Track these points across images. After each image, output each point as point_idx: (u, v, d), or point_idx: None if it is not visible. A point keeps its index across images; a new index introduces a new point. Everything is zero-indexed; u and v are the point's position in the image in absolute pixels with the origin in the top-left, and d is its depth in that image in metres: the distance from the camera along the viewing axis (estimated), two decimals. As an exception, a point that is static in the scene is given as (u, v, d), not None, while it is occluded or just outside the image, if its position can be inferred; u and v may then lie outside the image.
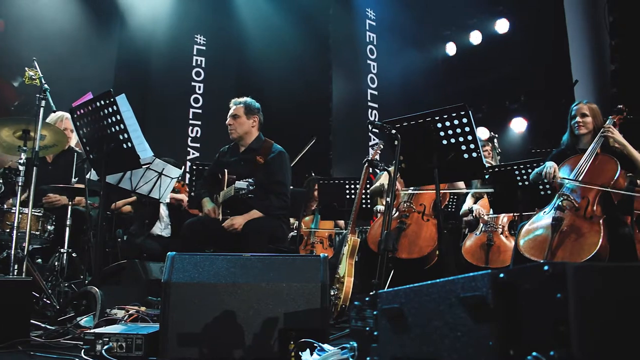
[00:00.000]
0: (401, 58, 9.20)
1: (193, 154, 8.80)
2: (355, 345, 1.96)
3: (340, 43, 9.05)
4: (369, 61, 9.32)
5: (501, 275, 1.29)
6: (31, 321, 3.04)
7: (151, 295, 3.96)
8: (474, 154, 3.13)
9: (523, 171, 4.12)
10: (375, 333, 1.85)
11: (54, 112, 4.40)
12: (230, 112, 4.19)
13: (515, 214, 4.48)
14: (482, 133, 7.52)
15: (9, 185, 3.96)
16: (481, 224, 4.74)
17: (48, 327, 3.13)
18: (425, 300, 1.67)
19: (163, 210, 5.43)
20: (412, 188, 4.44)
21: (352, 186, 5.06)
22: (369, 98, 9.14)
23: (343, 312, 3.89)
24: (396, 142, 3.10)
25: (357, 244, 4.16)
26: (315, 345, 2.17)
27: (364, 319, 1.93)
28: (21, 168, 3.55)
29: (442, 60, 9.54)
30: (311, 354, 2.14)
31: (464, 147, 3.13)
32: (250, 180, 3.68)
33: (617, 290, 1.16)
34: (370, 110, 9.09)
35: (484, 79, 8.57)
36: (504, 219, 4.67)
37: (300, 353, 2.20)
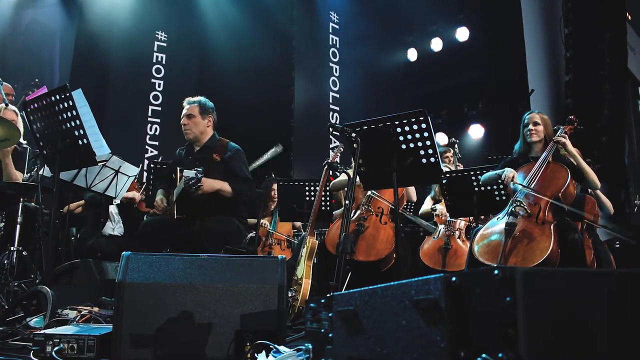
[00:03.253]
0: (363, 62, 9.29)
1: (151, 152, 8.65)
2: (310, 346, 1.97)
3: (303, 45, 9.06)
4: (331, 64, 9.37)
5: (453, 278, 1.32)
6: (-23, 322, 2.95)
7: (105, 295, 3.88)
8: (432, 159, 3.18)
9: (480, 176, 4.22)
10: (330, 335, 1.86)
11: (6, 105, 4.26)
12: (185, 111, 4.14)
13: (471, 219, 4.58)
14: (441, 138, 7.66)
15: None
16: (439, 227, 4.82)
17: (-4, 328, 3.04)
18: (379, 303, 1.69)
19: (113, 209, 5.30)
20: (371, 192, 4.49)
21: (312, 188, 5.06)
22: (330, 101, 9.18)
23: (300, 314, 3.90)
24: (356, 146, 3.12)
25: (316, 245, 4.18)
26: (271, 347, 2.17)
27: (319, 321, 1.94)
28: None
29: (403, 65, 9.68)
30: (267, 356, 2.14)
31: (422, 152, 3.18)
32: (199, 169, 3.63)
33: (564, 294, 1.20)
34: (331, 113, 9.14)
35: (444, 85, 8.75)
36: (460, 223, 4.77)
37: (255, 355, 2.20)
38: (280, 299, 2.48)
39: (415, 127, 3.14)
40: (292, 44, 8.89)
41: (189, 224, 3.89)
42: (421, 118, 3.12)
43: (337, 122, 8.83)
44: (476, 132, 8.47)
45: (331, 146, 8.76)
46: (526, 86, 7.29)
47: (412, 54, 9.57)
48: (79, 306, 3.27)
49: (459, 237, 4.71)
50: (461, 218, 4.71)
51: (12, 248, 3.89)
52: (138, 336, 2.35)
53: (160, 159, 7.75)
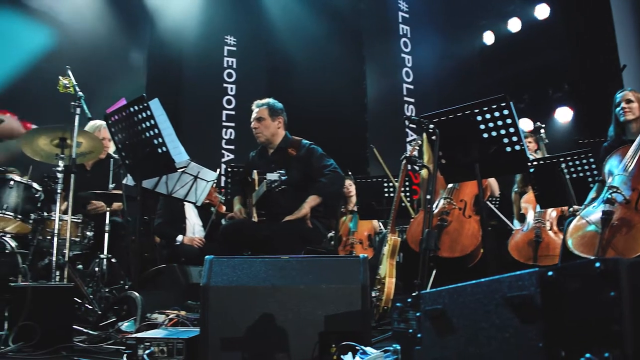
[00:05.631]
0: (437, 50, 9.05)
1: (228, 156, 8.83)
2: (398, 347, 1.90)
3: (373, 38, 8.96)
4: (403, 55, 9.20)
5: (549, 273, 1.24)
6: (74, 327, 3.08)
7: (190, 299, 3.97)
8: (517, 147, 3.00)
9: (570, 163, 3.96)
10: (419, 335, 1.79)
11: (90, 119, 4.46)
12: (254, 115, 4.16)
13: (563, 209, 4.31)
14: (526, 124, 7.31)
15: (49, 193, 4.03)
16: (529, 220, 4.58)
17: (90, 332, 3.18)
18: (469, 301, 1.61)
19: (193, 212, 5.44)
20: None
21: (390, 184, 4.97)
22: (404, 93, 9.02)
23: (385, 314, 3.82)
24: (434, 137, 3.01)
25: (398, 243, 4.07)
26: (357, 348, 2.11)
27: (406, 321, 1.88)
28: (60, 175, 3.62)
29: (479, 49, 9.30)
30: (353, 357, 2.09)
31: (505, 140, 3.01)
32: (281, 171, 3.65)
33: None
34: (406, 105, 8.97)
35: (525, 68, 8.31)
36: (552, 213, 4.49)
37: (342, 356, 2.15)
38: (364, 299, 2.41)
39: (496, 114, 2.98)
40: (361, 37, 8.82)
41: (269, 226, 3.91)
42: (503, 104, 2.96)
43: (413, 114, 8.66)
44: (563, 115, 8.01)
45: (408, 139, 8.60)
46: (617, 62, 6.81)
47: (488, 37, 9.19)
48: (167, 310, 3.36)
49: (550, 229, 4.44)
50: (552, 208, 4.44)
51: (101, 256, 4.07)
52: (224, 338, 2.37)
53: (236, 162, 7.88)
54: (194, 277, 4.52)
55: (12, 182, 3.90)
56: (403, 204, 4.77)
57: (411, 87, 9.10)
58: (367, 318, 2.44)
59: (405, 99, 9.01)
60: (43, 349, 2.73)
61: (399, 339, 1.94)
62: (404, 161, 4.17)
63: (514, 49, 8.64)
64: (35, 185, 4.04)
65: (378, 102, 8.71)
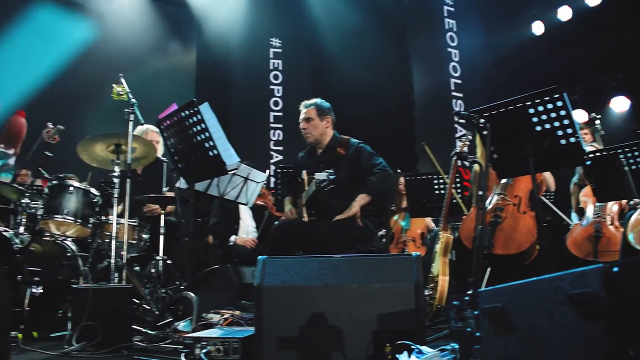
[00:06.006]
0: (484, 43, 8.84)
1: (276, 157, 8.91)
2: (456, 346, 1.86)
3: (417, 33, 8.84)
4: (449, 49, 9.02)
5: (615, 269, 1.19)
6: (133, 326, 3.17)
7: (244, 299, 4.02)
8: (572, 139, 2.90)
9: (629, 154, 3.80)
10: (477, 334, 1.75)
11: (142, 125, 4.59)
12: (302, 116, 4.18)
13: (624, 202, 4.14)
14: (579, 116, 7.06)
15: (106, 197, 4.16)
16: (588, 214, 4.41)
17: (149, 332, 3.26)
18: (529, 299, 1.57)
19: (248, 213, 5.51)
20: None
21: (441, 181, 4.89)
22: (452, 87, 8.85)
23: (438, 313, 3.76)
24: (485, 132, 2.95)
25: (450, 241, 4.00)
26: (412, 347, 2.09)
27: (464, 320, 1.84)
28: (116, 180, 3.74)
29: (528, 40, 8.99)
30: (409, 357, 2.06)
31: (560, 133, 2.90)
32: (329, 170, 3.66)
33: None
34: (454, 101, 8.80)
35: (577, 58, 8.00)
36: (613, 207, 4.32)
37: (397, 356, 2.13)
38: (418, 298, 2.39)
39: (549, 105, 2.89)
40: (406, 33, 8.72)
41: (320, 226, 3.92)
42: (556, 95, 2.86)
43: (462, 109, 8.49)
44: (619, 104, 7.66)
45: (457, 135, 8.46)
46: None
47: (537, 27, 8.90)
48: (221, 310, 3.41)
49: (611, 224, 4.27)
50: (613, 202, 4.27)
51: (157, 257, 4.17)
52: (279, 338, 2.40)
53: (285, 163, 7.94)
54: (247, 277, 4.58)
55: (71, 188, 4.06)
56: (455, 201, 4.68)
57: (459, 81, 8.93)
58: (421, 317, 2.42)
59: (453, 94, 8.84)
60: (105, 348, 2.82)
61: (456, 337, 1.91)
62: (455, 157, 4.09)
63: (565, 38, 8.34)
64: (93, 190, 4.18)
65: (425, 98, 8.59)
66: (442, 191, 4.83)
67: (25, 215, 4.13)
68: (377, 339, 2.33)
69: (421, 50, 8.84)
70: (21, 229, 4.09)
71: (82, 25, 8.12)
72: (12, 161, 3.68)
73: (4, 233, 3.92)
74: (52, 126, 4.69)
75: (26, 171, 6.16)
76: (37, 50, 7.79)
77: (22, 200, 4.17)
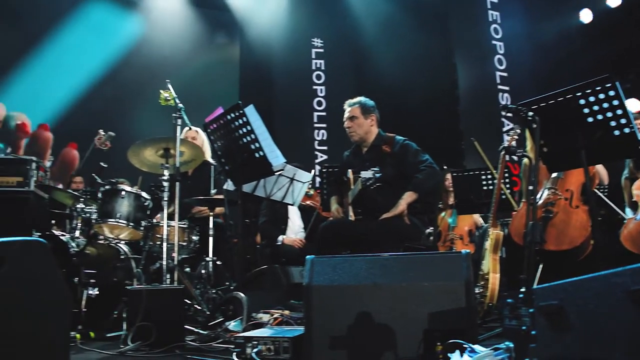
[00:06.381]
0: (530, 34, 8.61)
1: (321, 157, 8.94)
2: (511, 345, 1.82)
3: (461, 27, 8.70)
4: (494, 42, 8.83)
5: None
6: (185, 326, 3.23)
7: (293, 298, 4.04)
8: (626, 130, 2.79)
9: (688, 144, 3.62)
10: (533, 332, 1.71)
11: (189, 129, 4.68)
12: (347, 114, 4.17)
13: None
14: (633, 105, 6.79)
15: (156, 200, 4.26)
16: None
17: (200, 331, 3.31)
18: (587, 296, 1.52)
19: (296, 213, 5.54)
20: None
21: (489, 177, 4.79)
22: (498, 81, 8.67)
23: (489, 311, 3.68)
24: (534, 126, 2.87)
25: (500, 237, 3.91)
26: (464, 346, 2.05)
27: (519, 318, 1.80)
28: (165, 184, 3.82)
29: (576, 29, 8.69)
30: (461, 356, 2.03)
31: (613, 123, 2.81)
32: (375, 168, 3.63)
33: None
34: (500, 94, 8.61)
35: (629, 44, 7.69)
36: (671, 198, 4.14)
37: (448, 355, 2.10)
38: (469, 296, 2.34)
39: (601, 95, 2.79)
40: (449, 27, 8.59)
41: (367, 225, 3.91)
42: (608, 85, 2.76)
43: (509, 103, 8.31)
44: (675, 92, 7.36)
45: (504, 129, 8.27)
46: None
47: (585, 15, 8.59)
48: (271, 310, 3.44)
49: (669, 216, 4.10)
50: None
51: (207, 258, 4.24)
52: (328, 337, 2.40)
53: (330, 163, 7.95)
54: (295, 277, 4.60)
55: (123, 193, 4.18)
56: (504, 197, 4.58)
57: (504, 74, 8.73)
58: (472, 315, 2.37)
59: (499, 87, 8.65)
60: (158, 348, 2.88)
61: (510, 336, 1.87)
62: (503, 152, 4.01)
63: (615, 24, 8.03)
64: (144, 194, 4.29)
65: (470, 92, 8.45)
66: (491, 187, 4.73)
67: (80, 219, 4.28)
68: (428, 338, 2.30)
69: (465, 44, 8.70)
70: (77, 233, 4.24)
71: (131, 21, 8.43)
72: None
73: (61, 237, 4.07)
74: (103, 133, 4.84)
75: (80, 178, 6.39)
76: (89, 49, 8.19)
77: (77, 206, 4.32)
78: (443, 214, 5.78)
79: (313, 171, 5.29)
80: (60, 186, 5.36)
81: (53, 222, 5.01)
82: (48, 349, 1.59)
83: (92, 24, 8.30)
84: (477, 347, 2.04)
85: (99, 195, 4.23)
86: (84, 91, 8.06)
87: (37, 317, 1.55)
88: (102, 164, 4.55)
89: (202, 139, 4.89)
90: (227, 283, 4.34)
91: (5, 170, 4.30)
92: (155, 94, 4.17)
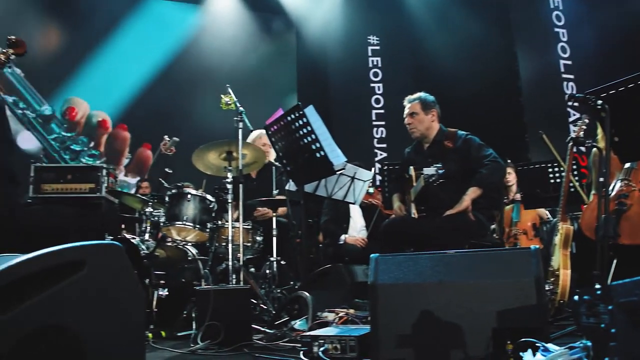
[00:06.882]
0: (594, 19, 8.24)
1: (381, 154, 8.89)
2: (588, 344, 1.75)
3: (521, 16, 8.43)
4: (556, 29, 8.49)
5: None
6: (252, 325, 3.29)
7: (357, 297, 4.04)
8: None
9: None
10: (613, 330, 1.63)
11: (252, 131, 4.76)
12: (407, 111, 4.13)
13: None
14: None
15: (220, 203, 4.37)
16: None
17: (267, 330, 3.36)
18: None
19: (358, 212, 5.53)
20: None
21: (555, 169, 4.63)
22: (562, 70, 8.33)
23: (561, 309, 3.56)
24: (604, 114, 2.75)
25: (571, 232, 3.77)
26: (537, 345, 1.99)
27: (597, 315, 1.72)
28: (229, 186, 3.91)
29: (642, 11, 8.30)
30: (534, 355, 1.97)
31: (691, 108, 2.66)
32: (438, 164, 3.58)
33: None
34: (565, 83, 8.28)
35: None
36: None
37: (520, 354, 2.04)
38: (539, 293, 2.26)
39: (676, 79, 2.65)
40: (509, 17, 8.34)
41: (430, 222, 3.85)
42: (684, 67, 2.62)
43: (574, 92, 7.98)
44: None
45: (570, 119, 7.96)
46: None
47: (652, -4, 8.17)
48: (336, 309, 3.45)
49: None
50: None
51: (271, 258, 4.30)
52: (395, 336, 2.37)
53: (390, 160, 7.90)
54: (359, 275, 4.60)
55: (189, 196, 4.31)
56: (572, 189, 4.41)
57: (569, 62, 8.38)
58: (543, 313, 2.30)
59: (564, 76, 8.32)
60: (227, 346, 2.95)
61: (588, 334, 1.79)
62: (571, 143, 3.86)
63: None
64: (208, 196, 4.40)
65: (533, 83, 8.17)
66: (558, 180, 4.57)
67: (149, 223, 4.44)
68: (497, 337, 2.24)
69: (526, 33, 8.42)
70: (146, 236, 4.40)
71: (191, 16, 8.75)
72: (132, 191, 3.97)
73: (132, 240, 4.24)
74: (168, 139, 5.01)
75: (147, 184, 6.63)
76: (151, 45, 8.66)
77: (146, 209, 4.49)
78: (506, 208, 5.64)
79: (373, 169, 5.26)
80: (138, 179, 5.58)
81: (123, 226, 5.23)
82: (127, 347, 1.66)
83: (155, 19, 8.75)
84: (550, 346, 1.97)
85: (166, 199, 4.38)
86: (146, 88, 8.48)
87: (117, 316, 1.62)
88: (167, 169, 4.70)
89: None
90: (292, 283, 4.39)
91: (78, 178, 4.50)
92: (214, 99, 4.28)
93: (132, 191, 6.89)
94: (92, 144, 8.05)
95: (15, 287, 1.39)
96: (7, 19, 7.52)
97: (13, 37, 4.19)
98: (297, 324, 3.38)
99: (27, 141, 7.56)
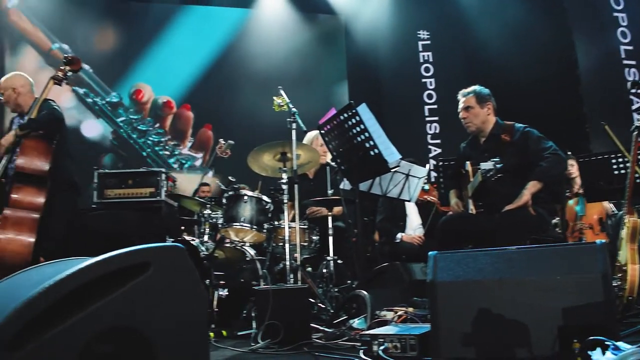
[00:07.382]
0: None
1: (435, 150, 8.79)
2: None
3: (577, 3, 8.13)
4: (615, 13, 8.13)
5: None
6: (311, 324, 3.32)
7: (415, 295, 4.00)
8: None
9: None
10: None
11: (306, 132, 4.80)
12: (461, 105, 4.04)
13: None
14: None
15: (276, 203, 4.43)
16: None
17: (326, 329, 3.37)
18: None
19: (414, 209, 5.49)
20: None
21: (619, 160, 4.44)
22: (623, 55, 7.96)
23: (629, 305, 3.41)
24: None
25: (638, 225, 3.61)
26: (607, 343, 1.92)
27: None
28: (284, 187, 3.96)
29: None
30: (603, 353, 1.90)
31: None
32: (495, 159, 3.50)
33: None
34: (627, 69, 7.91)
35: None
36: None
37: (589, 352, 1.97)
38: (607, 289, 2.19)
39: None
40: (564, 4, 8.06)
41: (489, 218, 3.77)
42: None
43: (638, 78, 7.62)
44: None
45: (634, 107, 7.60)
46: None
47: None
48: (394, 307, 3.43)
49: None
50: None
51: (328, 258, 4.32)
52: (456, 334, 2.34)
53: (444, 156, 7.79)
54: (417, 274, 4.55)
55: (245, 197, 4.40)
56: (638, 180, 4.21)
57: (630, 47, 8.00)
58: (611, 310, 2.23)
59: (625, 62, 7.95)
60: (286, 345, 2.98)
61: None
62: (635, 132, 3.69)
63: None
64: (264, 197, 4.48)
65: (592, 71, 7.86)
66: (622, 171, 4.38)
67: (207, 225, 4.55)
68: (563, 335, 2.17)
69: (583, 20, 8.09)
70: (205, 238, 4.52)
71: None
72: (198, 163, 4.11)
73: (192, 242, 4.36)
74: (223, 142, 5.12)
75: (208, 187, 6.80)
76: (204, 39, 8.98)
77: (204, 212, 4.60)
78: (570, 202, 5.45)
79: (428, 166, 5.19)
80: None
81: (182, 228, 5.38)
82: (193, 346, 1.71)
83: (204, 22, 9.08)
84: (621, 344, 1.90)
85: (224, 201, 4.47)
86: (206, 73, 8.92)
87: (181, 316, 1.66)
88: (230, 177, 4.86)
89: None
90: (349, 281, 4.40)
91: (139, 182, 4.69)
92: (266, 101, 4.34)
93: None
94: (157, 125, 8.71)
95: (86, 289, 1.45)
96: (66, 22, 8.31)
97: (69, 55, 4.41)
98: (356, 322, 3.39)
99: (91, 128, 8.44)
